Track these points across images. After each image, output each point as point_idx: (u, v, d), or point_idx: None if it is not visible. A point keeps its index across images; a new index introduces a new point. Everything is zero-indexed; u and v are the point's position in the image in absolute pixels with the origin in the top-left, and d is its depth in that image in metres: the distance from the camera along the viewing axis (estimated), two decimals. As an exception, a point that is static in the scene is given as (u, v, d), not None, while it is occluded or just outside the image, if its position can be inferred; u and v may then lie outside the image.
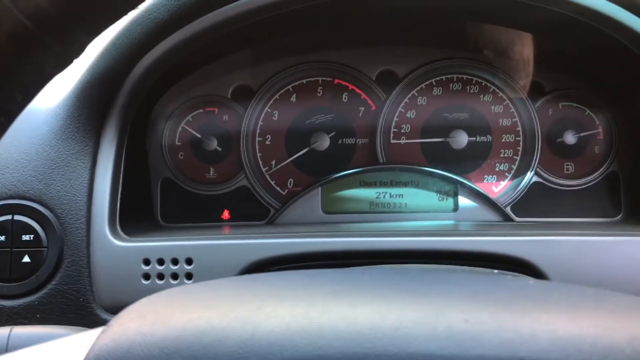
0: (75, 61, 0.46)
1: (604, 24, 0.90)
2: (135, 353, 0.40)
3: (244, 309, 0.42)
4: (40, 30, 0.41)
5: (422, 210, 1.17)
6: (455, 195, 1.16)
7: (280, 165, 1.18)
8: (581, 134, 1.16)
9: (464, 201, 1.16)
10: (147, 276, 0.90)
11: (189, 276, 0.90)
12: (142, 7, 0.88)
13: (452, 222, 1.15)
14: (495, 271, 0.80)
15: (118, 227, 0.94)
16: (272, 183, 1.18)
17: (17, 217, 0.90)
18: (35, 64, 0.43)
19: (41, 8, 0.41)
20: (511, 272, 0.81)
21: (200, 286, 0.50)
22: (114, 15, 0.45)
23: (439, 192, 1.17)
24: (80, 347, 0.44)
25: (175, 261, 0.90)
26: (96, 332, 0.44)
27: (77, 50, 0.45)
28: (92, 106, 0.93)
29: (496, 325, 0.40)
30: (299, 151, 1.17)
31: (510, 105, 1.17)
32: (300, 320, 0.40)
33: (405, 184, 1.18)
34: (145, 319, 0.42)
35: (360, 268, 0.71)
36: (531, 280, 0.51)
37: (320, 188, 1.17)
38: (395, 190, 1.18)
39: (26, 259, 0.90)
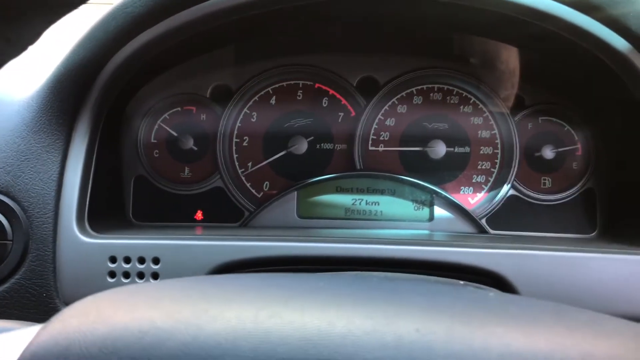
0: (30, 48, 0.44)
1: (587, 41, 0.90)
2: (74, 351, 0.38)
3: (190, 310, 0.41)
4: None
5: (398, 219, 1.16)
6: (431, 205, 1.16)
7: (256, 167, 1.17)
8: (559, 149, 1.16)
9: (439, 211, 1.15)
10: (112, 274, 0.89)
11: (155, 276, 0.88)
12: (117, 1, 0.87)
13: (426, 231, 1.14)
14: (462, 282, 0.79)
15: (86, 223, 0.92)
16: (248, 185, 1.17)
17: (-18, 209, 0.89)
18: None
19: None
20: (477, 284, 0.80)
21: (150, 285, 0.49)
22: (70, 3, 0.44)
23: (415, 201, 1.16)
24: (20, 343, 0.42)
25: (142, 260, 0.89)
26: (36, 328, 0.42)
27: (32, 37, 0.44)
28: (65, 99, 0.92)
29: (447, 336, 0.39)
30: (276, 154, 1.16)
31: (490, 117, 1.16)
32: (246, 324, 0.39)
33: (381, 192, 1.17)
34: (87, 316, 0.41)
35: (320, 274, 0.70)
36: (492, 293, 0.50)
37: (296, 192, 1.16)
38: (371, 198, 1.17)
39: (-11, 251, 0.88)
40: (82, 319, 0.41)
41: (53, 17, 0.44)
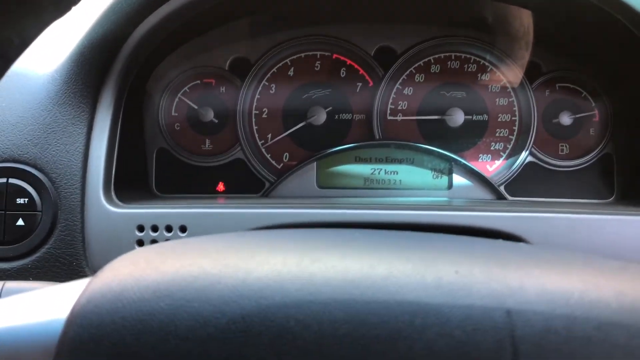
0: (73, 8, 0.45)
1: (606, 3, 0.90)
2: (127, 296, 0.40)
3: (237, 257, 0.43)
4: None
5: (417, 188, 1.17)
6: (449, 173, 1.17)
7: (276, 139, 1.18)
8: (577, 116, 1.16)
9: (458, 179, 1.16)
10: (140, 242, 0.90)
11: (182, 243, 0.90)
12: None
13: (446, 199, 1.15)
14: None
15: (112, 194, 0.94)
16: (268, 156, 1.18)
17: (11, 181, 0.90)
18: (33, 7, 0.43)
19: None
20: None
21: (194, 239, 0.50)
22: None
23: (433, 169, 1.17)
24: (73, 293, 0.44)
25: (169, 228, 0.90)
26: (83, 281, 0.44)
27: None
28: (89, 71, 0.93)
29: (485, 277, 0.41)
30: (296, 125, 1.17)
31: (507, 84, 1.17)
32: (291, 268, 0.41)
33: (400, 161, 1.18)
34: (137, 265, 0.43)
35: (353, 230, 0.71)
36: (522, 243, 0.52)
37: (315, 162, 1.17)
38: (390, 167, 1.18)
39: (20, 222, 0.90)
40: (133, 267, 0.43)
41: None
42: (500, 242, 0.54)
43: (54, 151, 0.92)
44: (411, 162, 1.18)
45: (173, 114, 1.17)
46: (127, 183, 1.01)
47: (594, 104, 1.16)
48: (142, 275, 0.41)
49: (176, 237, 0.90)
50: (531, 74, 1.17)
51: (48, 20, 0.45)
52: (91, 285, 0.42)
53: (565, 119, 1.16)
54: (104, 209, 0.91)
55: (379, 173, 1.18)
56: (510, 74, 1.17)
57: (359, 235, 0.51)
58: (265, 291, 0.39)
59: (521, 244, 0.52)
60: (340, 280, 0.40)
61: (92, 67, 0.93)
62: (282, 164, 1.18)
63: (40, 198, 0.91)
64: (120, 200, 0.94)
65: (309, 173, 1.17)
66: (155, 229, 0.90)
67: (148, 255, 0.45)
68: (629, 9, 0.89)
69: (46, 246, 0.90)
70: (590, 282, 0.41)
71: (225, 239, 0.50)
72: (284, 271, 0.40)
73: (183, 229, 0.90)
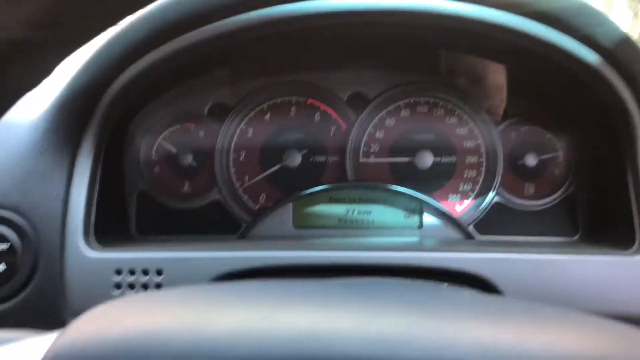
0: (44, 81, 0.49)
1: (559, 55, 0.95)
2: (90, 352, 0.43)
3: (191, 314, 0.46)
4: (10, 51, 0.45)
5: (389, 227, 1.21)
6: (420, 213, 1.21)
7: (253, 181, 1.22)
8: (542, 157, 1.21)
9: (428, 219, 1.20)
10: (118, 286, 0.93)
11: (158, 286, 0.93)
12: (121, 26, 0.92)
13: (416, 238, 1.19)
14: (445, 284, 0.84)
15: (92, 238, 0.97)
16: (245, 198, 1.22)
17: (-7, 226, 0.93)
18: (3, 83, 0.47)
19: (11, 31, 0.44)
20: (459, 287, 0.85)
21: (153, 294, 0.54)
22: (83, 38, 0.49)
23: (405, 209, 1.21)
24: (39, 349, 0.47)
25: (146, 272, 0.93)
26: (51, 336, 0.47)
27: (46, 71, 0.49)
28: (70, 120, 0.97)
29: (422, 331, 0.44)
30: (272, 167, 1.21)
31: (475, 127, 1.21)
32: (241, 325, 0.44)
33: (373, 201, 1.22)
34: (100, 321, 0.46)
35: (308, 280, 0.74)
36: (466, 292, 0.55)
37: (291, 203, 1.21)
38: (363, 207, 1.22)
39: (1, 266, 0.93)
40: (96, 323, 0.46)
41: (66, 52, 0.49)
42: (445, 288, 0.58)
43: (35, 197, 0.95)
44: (383, 202, 1.22)
45: (153, 157, 1.21)
46: (107, 226, 1.04)
47: (557, 145, 1.21)
48: (104, 333, 0.44)
49: (152, 280, 0.93)
50: (497, 116, 1.22)
51: (18, 95, 0.48)
52: (56, 343, 0.45)
53: (531, 160, 1.21)
54: (83, 253, 0.94)
55: (352, 213, 1.22)
56: (476, 118, 1.21)
57: (312, 287, 0.54)
58: (216, 349, 0.42)
59: (466, 292, 0.56)
60: (289, 339, 0.43)
61: (73, 116, 0.96)
62: (258, 205, 1.22)
63: (21, 243, 0.94)
64: (99, 244, 0.97)
65: (285, 214, 1.21)
66: (132, 272, 0.93)
67: (111, 312, 0.48)
68: (575, 57, 0.94)
69: (26, 290, 0.93)
70: (522, 335, 0.45)
71: (187, 292, 0.53)
72: (234, 329, 0.44)
73: (159, 272, 0.93)
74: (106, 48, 0.93)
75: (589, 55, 0.93)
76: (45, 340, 0.49)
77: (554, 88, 1.16)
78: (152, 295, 0.53)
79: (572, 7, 0.90)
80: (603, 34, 0.90)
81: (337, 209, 1.22)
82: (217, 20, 0.93)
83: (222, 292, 0.53)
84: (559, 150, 1.21)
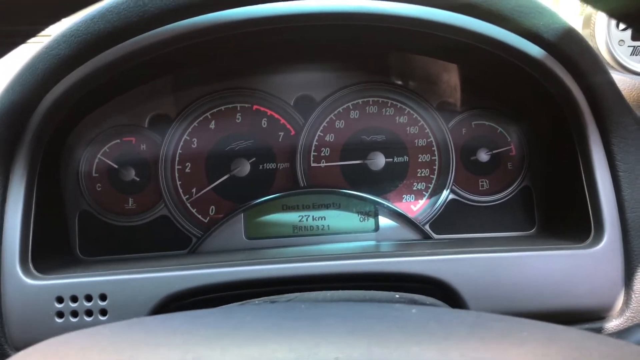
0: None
1: (504, 51, 0.94)
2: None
3: (117, 357, 0.42)
4: None
5: (345, 232, 1.18)
6: (375, 216, 1.18)
7: (200, 193, 1.17)
8: (494, 151, 1.20)
9: (384, 221, 1.18)
10: (60, 314, 0.88)
11: (103, 312, 0.88)
12: (43, 43, 0.87)
13: (373, 242, 1.17)
14: (397, 295, 0.82)
15: (30, 265, 0.92)
16: (193, 211, 1.17)
17: None
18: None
19: None
20: (411, 295, 0.83)
21: (83, 333, 0.50)
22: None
23: (360, 213, 1.19)
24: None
25: (89, 298, 0.89)
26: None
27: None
28: (-1, 141, 0.91)
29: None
30: (220, 178, 1.17)
31: (425, 125, 1.20)
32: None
33: (327, 207, 1.19)
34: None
35: (249, 305, 0.71)
36: (414, 309, 0.53)
37: (242, 214, 1.17)
38: (317, 213, 1.19)
39: None
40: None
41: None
42: (394, 307, 0.55)
43: (-35, 224, 0.89)
44: (338, 207, 1.19)
45: (94, 174, 1.15)
46: (48, 250, 0.99)
47: (509, 139, 1.20)
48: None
49: (96, 306, 0.88)
50: (447, 113, 1.20)
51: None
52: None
53: (483, 156, 1.20)
54: (20, 281, 0.89)
55: (307, 220, 1.19)
56: (427, 115, 1.19)
57: (249, 314, 0.51)
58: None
59: (413, 309, 0.53)
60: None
61: (1, 136, 0.91)
62: (208, 218, 1.18)
63: (-47, 274, 0.88)
64: (38, 270, 0.92)
65: (237, 225, 1.17)
66: (74, 299, 0.89)
67: (48, 352, 0.44)
68: (519, 52, 0.93)
69: (-39, 325, 0.88)
70: (470, 357, 0.43)
71: (113, 332, 0.49)
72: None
73: (103, 297, 0.88)
74: (29, 66, 0.88)
75: (533, 49, 0.92)
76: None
77: (502, 83, 1.15)
78: (79, 335, 0.49)
79: (513, 2, 0.89)
80: (545, 27, 0.89)
81: (291, 217, 1.19)
82: (150, 29, 0.89)
83: (152, 327, 0.49)
84: (511, 144, 1.20)
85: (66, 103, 0.94)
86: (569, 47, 0.91)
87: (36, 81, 0.89)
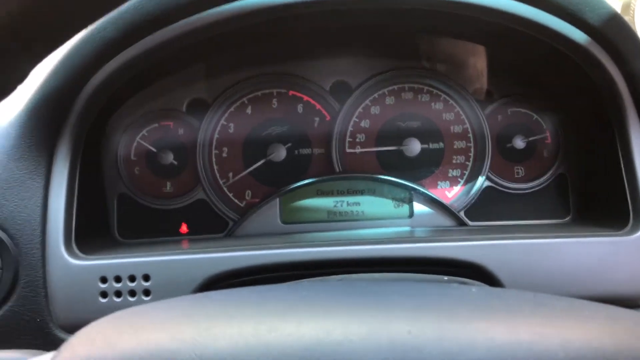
0: (18, 88, 0.46)
1: (547, 36, 0.94)
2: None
3: (193, 330, 0.43)
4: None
5: (379, 218, 1.19)
6: (410, 202, 1.19)
7: (237, 178, 1.18)
8: (530, 139, 1.19)
9: (419, 207, 1.18)
10: (104, 294, 0.90)
11: (146, 293, 0.90)
12: (91, 26, 0.88)
13: (408, 228, 1.17)
14: (445, 278, 0.82)
15: (74, 246, 0.93)
16: (230, 195, 1.18)
17: (-31, 239, 0.90)
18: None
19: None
20: (460, 278, 0.84)
21: (149, 307, 0.51)
22: (53, 43, 0.45)
23: (394, 199, 1.19)
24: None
25: (132, 278, 0.90)
26: (45, 358, 0.44)
27: (19, 78, 0.45)
28: (43, 125, 0.92)
29: (437, 335, 0.42)
30: (256, 163, 1.18)
31: (461, 112, 1.20)
32: (249, 340, 0.41)
33: (361, 192, 1.19)
34: (94, 343, 0.43)
35: (307, 282, 0.72)
36: (474, 288, 0.53)
37: (278, 199, 1.18)
38: (352, 199, 1.19)
39: (-20, 281, 0.89)
40: (89, 346, 0.43)
41: (39, 58, 0.45)
42: (453, 286, 0.56)
43: (11, 207, 0.91)
44: (372, 193, 1.19)
45: (132, 158, 1.17)
46: (89, 232, 1.00)
47: (545, 126, 1.20)
48: (99, 355, 0.41)
49: (140, 286, 0.90)
50: (483, 100, 1.20)
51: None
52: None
53: (519, 143, 1.19)
54: (65, 262, 0.90)
55: (341, 205, 1.19)
56: (463, 102, 1.19)
57: (315, 290, 0.52)
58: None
59: (473, 288, 0.54)
60: (296, 350, 0.41)
61: (46, 120, 0.92)
62: (244, 202, 1.19)
63: (0, 255, 0.90)
64: (81, 251, 0.93)
65: (272, 209, 1.18)
66: (118, 279, 0.90)
67: (105, 331, 0.45)
68: (563, 37, 0.93)
69: (8, 304, 0.89)
70: (537, 333, 0.43)
71: (183, 305, 0.50)
72: (240, 343, 0.41)
73: (146, 277, 0.90)
74: (77, 48, 0.89)
75: (577, 35, 0.92)
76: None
77: (540, 69, 1.14)
78: (145, 309, 0.50)
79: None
80: (591, 12, 0.88)
81: (325, 202, 1.19)
82: (191, 14, 0.90)
83: (220, 301, 0.50)
84: (547, 131, 1.20)
85: (110, 86, 0.95)
86: (614, 33, 0.90)
87: (82, 64, 0.90)
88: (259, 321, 0.43)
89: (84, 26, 0.46)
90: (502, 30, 0.96)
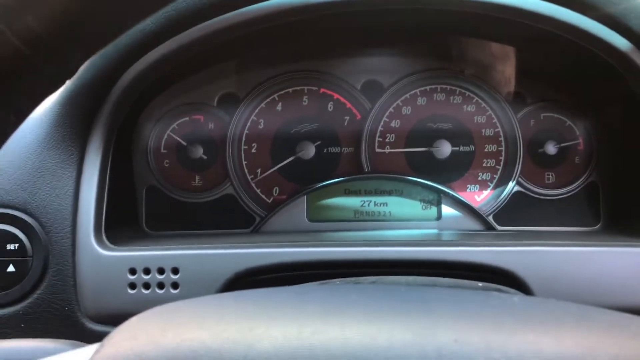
0: (68, 82, 0.46)
1: (587, 41, 0.92)
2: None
3: (236, 329, 0.43)
4: (34, 53, 0.42)
5: (406, 219, 1.18)
6: (438, 204, 1.18)
7: (265, 174, 1.18)
8: (562, 145, 1.18)
9: (447, 210, 1.17)
10: (133, 285, 0.90)
11: (175, 286, 0.90)
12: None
13: (435, 231, 1.16)
14: (480, 284, 0.81)
15: (104, 236, 0.94)
16: (258, 191, 1.18)
17: (1, 226, 0.90)
18: (28, 86, 0.43)
19: (34, 32, 0.41)
20: (494, 285, 0.83)
21: (190, 303, 0.50)
22: (107, 38, 0.45)
23: (422, 200, 1.18)
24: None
25: (161, 271, 0.90)
26: (86, 351, 0.44)
27: (70, 71, 0.45)
28: (77, 115, 0.93)
29: (484, 345, 0.41)
30: (285, 159, 1.18)
31: (493, 115, 1.18)
32: (292, 342, 0.41)
33: (389, 193, 1.19)
34: (137, 339, 0.43)
35: (348, 284, 0.71)
36: (516, 297, 0.53)
37: (305, 196, 1.18)
38: (379, 199, 1.19)
39: (11, 268, 0.90)
40: (133, 341, 0.43)
41: (90, 52, 0.45)
42: (494, 295, 0.55)
43: (43, 195, 0.91)
44: (400, 194, 1.19)
45: (162, 150, 1.17)
46: (118, 223, 1.01)
47: (578, 133, 1.18)
48: (143, 351, 0.41)
49: (168, 279, 0.90)
50: (516, 104, 1.19)
51: (42, 96, 0.45)
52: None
53: (551, 148, 1.18)
54: (95, 252, 0.91)
55: (368, 205, 1.19)
56: (495, 105, 1.18)
57: (356, 293, 0.51)
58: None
59: (515, 297, 0.53)
60: (341, 354, 0.40)
61: (80, 111, 0.93)
62: (272, 199, 1.19)
63: (31, 243, 0.91)
64: (111, 242, 0.94)
65: (299, 207, 1.18)
66: (147, 271, 0.90)
67: (147, 327, 0.45)
68: (604, 43, 0.91)
69: (38, 292, 0.90)
70: (586, 347, 0.42)
71: (224, 303, 0.50)
72: (285, 345, 0.41)
73: (175, 270, 0.90)
74: (116, 40, 0.89)
75: (619, 41, 0.90)
76: (77, 358, 0.45)
77: (576, 74, 1.13)
78: (185, 305, 0.50)
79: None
80: (636, 19, 0.87)
81: (353, 202, 1.19)
82: (228, 11, 0.90)
83: (261, 300, 0.50)
84: (580, 137, 1.18)
85: (145, 79, 0.95)
86: (658, 40, 0.88)
87: (120, 55, 0.90)
88: (302, 323, 0.43)
89: (136, 23, 0.46)
90: (542, 35, 0.94)
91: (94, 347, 0.46)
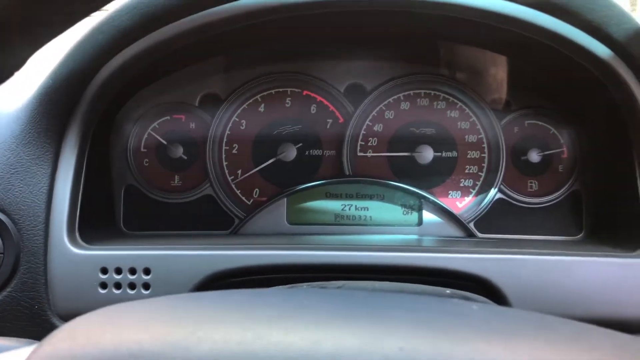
0: (16, 74, 0.45)
1: (568, 49, 0.91)
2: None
3: (179, 332, 0.42)
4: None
5: (387, 224, 1.17)
6: (419, 210, 1.17)
7: (246, 175, 1.17)
8: (545, 153, 1.17)
9: (428, 216, 1.16)
10: (104, 285, 0.89)
11: (146, 286, 0.89)
12: (106, 14, 0.88)
13: (415, 236, 1.15)
14: (448, 291, 0.80)
15: (77, 235, 0.93)
16: (238, 192, 1.17)
17: (-28, 222, 0.89)
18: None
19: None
20: (462, 292, 0.82)
21: (141, 304, 0.49)
22: (55, 30, 0.44)
23: (403, 205, 1.17)
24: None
25: (133, 271, 0.89)
26: (25, 351, 0.43)
27: (18, 63, 0.44)
28: (54, 111, 0.92)
29: (431, 354, 0.40)
30: (266, 161, 1.17)
31: (477, 121, 1.17)
32: (232, 346, 0.40)
33: (370, 197, 1.18)
34: (75, 339, 0.42)
35: (304, 288, 0.70)
36: (475, 306, 0.51)
37: (285, 199, 1.17)
38: (360, 203, 1.18)
39: (-20, 265, 0.89)
40: (71, 342, 0.42)
41: (38, 44, 0.44)
42: (453, 302, 0.54)
43: (17, 192, 0.90)
44: (381, 198, 1.18)
45: (142, 149, 1.16)
46: (94, 222, 1.00)
47: (562, 141, 1.17)
48: (80, 353, 0.40)
49: (140, 279, 0.89)
50: (500, 111, 1.18)
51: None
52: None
53: (534, 156, 1.17)
54: (67, 250, 0.90)
55: (349, 209, 1.18)
56: (479, 111, 1.17)
57: (310, 297, 0.50)
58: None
59: (474, 305, 0.52)
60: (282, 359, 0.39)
61: (57, 106, 0.92)
62: (252, 200, 1.18)
63: (2, 240, 0.90)
64: (84, 241, 0.93)
65: (279, 209, 1.16)
66: (118, 271, 0.89)
67: (89, 328, 0.44)
68: (585, 51, 0.90)
69: (7, 289, 0.89)
70: (539, 358, 0.41)
71: (172, 304, 0.49)
72: (224, 349, 0.40)
73: (147, 271, 0.89)
74: (90, 36, 0.88)
75: (600, 49, 0.89)
76: (19, 356, 0.44)
77: (560, 82, 1.12)
78: (133, 306, 0.49)
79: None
80: (616, 26, 0.86)
81: (333, 205, 1.18)
82: (209, 7, 0.89)
83: (211, 303, 0.48)
84: (564, 145, 1.17)
85: (123, 76, 0.94)
86: (639, 49, 0.87)
87: (95, 51, 0.89)
88: (246, 327, 0.42)
89: (86, 14, 0.45)
90: (524, 41, 0.94)
91: (33, 346, 0.45)
